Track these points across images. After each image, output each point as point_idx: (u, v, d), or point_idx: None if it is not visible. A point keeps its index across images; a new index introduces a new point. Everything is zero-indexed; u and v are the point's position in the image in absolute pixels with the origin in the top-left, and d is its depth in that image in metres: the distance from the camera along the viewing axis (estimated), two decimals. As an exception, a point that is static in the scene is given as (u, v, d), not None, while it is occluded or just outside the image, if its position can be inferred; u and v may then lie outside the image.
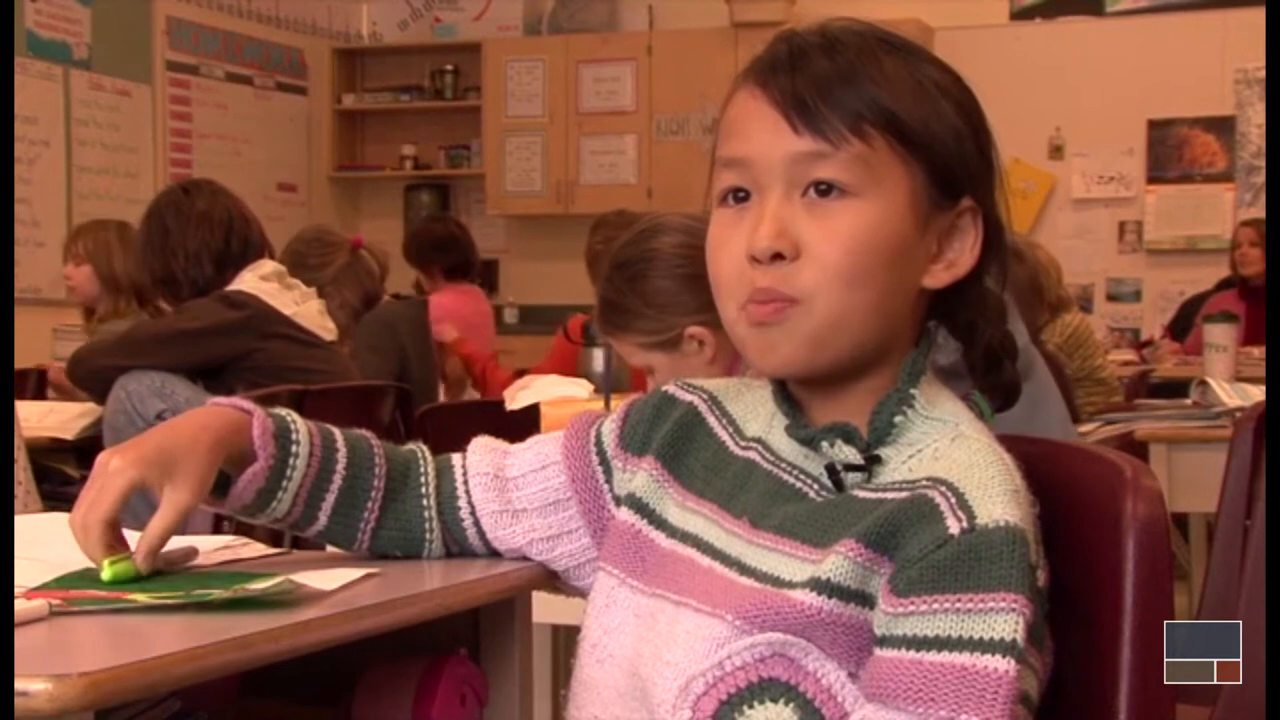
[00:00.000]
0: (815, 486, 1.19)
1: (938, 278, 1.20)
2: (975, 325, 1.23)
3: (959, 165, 1.19)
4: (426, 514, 1.33)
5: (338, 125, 9.14)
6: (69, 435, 3.43)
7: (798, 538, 1.15)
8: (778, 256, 1.15)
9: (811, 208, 1.16)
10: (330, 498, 1.29)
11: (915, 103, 1.17)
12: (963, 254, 1.20)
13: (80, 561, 1.19)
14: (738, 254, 1.18)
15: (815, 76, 1.16)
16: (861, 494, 1.15)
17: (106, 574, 1.16)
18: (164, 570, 1.22)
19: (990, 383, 1.24)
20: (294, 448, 1.27)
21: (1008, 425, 1.23)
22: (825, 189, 1.16)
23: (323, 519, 1.30)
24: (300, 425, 1.29)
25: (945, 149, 1.18)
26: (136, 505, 1.22)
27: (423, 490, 1.33)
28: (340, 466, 1.30)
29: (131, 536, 1.21)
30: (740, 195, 1.19)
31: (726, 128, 1.21)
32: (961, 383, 1.24)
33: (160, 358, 3.26)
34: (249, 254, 3.43)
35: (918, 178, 1.17)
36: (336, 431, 1.32)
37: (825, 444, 1.18)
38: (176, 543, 1.25)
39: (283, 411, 1.29)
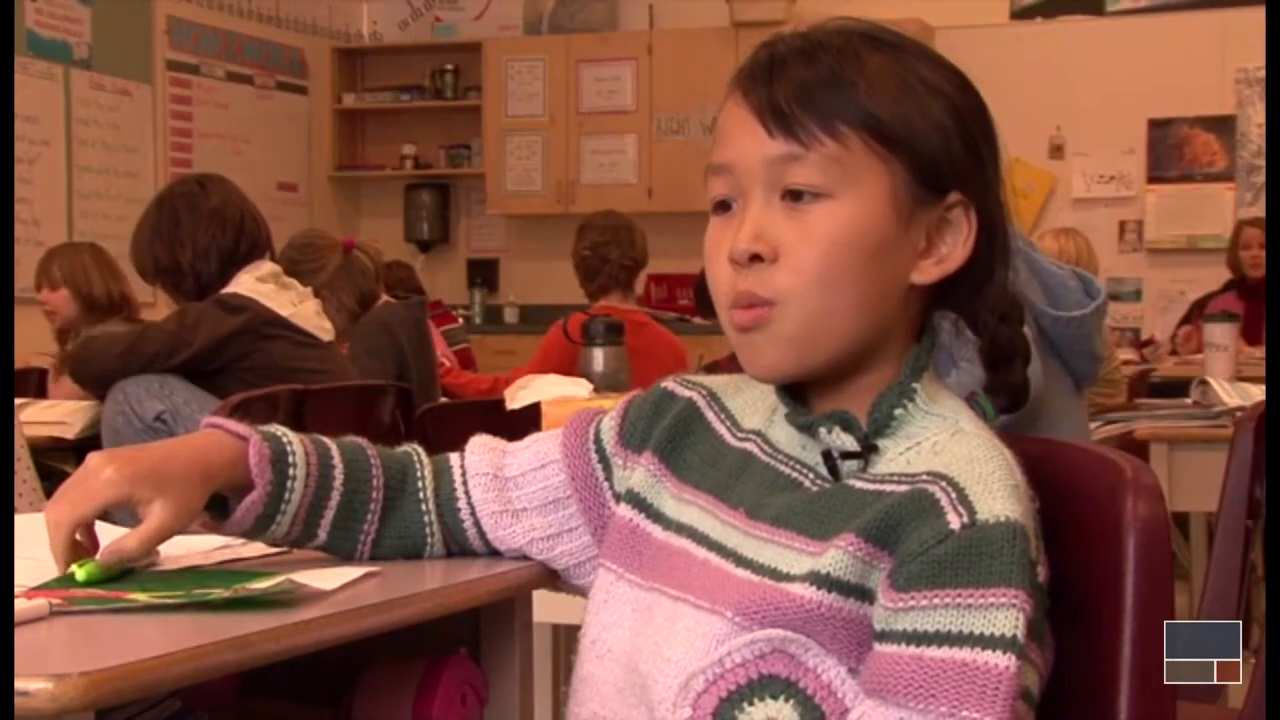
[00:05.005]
0: (811, 476, 1.19)
1: (927, 273, 1.20)
2: (978, 318, 1.23)
3: (943, 160, 1.18)
4: (426, 519, 1.33)
5: (338, 125, 9.14)
6: (69, 435, 3.43)
7: (794, 528, 1.15)
8: (756, 259, 1.16)
9: (789, 211, 1.17)
10: (329, 515, 1.29)
11: (896, 100, 1.17)
12: (955, 249, 1.20)
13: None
14: (725, 259, 1.19)
15: (793, 84, 1.17)
16: (858, 485, 1.16)
17: (81, 575, 1.16)
18: (136, 569, 1.22)
19: (997, 382, 1.24)
20: (291, 471, 1.27)
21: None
22: (801, 191, 1.17)
23: (322, 535, 1.30)
24: (297, 447, 1.28)
25: (927, 145, 1.18)
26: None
27: (420, 495, 1.33)
28: (338, 484, 1.29)
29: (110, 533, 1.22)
30: (726, 205, 1.21)
31: (715, 135, 1.23)
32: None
33: (168, 365, 3.27)
34: (254, 255, 3.44)
35: (898, 174, 1.17)
36: (333, 446, 1.32)
37: (824, 430, 1.18)
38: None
39: (279, 432, 1.28)
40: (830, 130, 1.16)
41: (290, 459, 1.27)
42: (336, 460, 1.30)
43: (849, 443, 1.17)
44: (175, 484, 1.20)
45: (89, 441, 3.33)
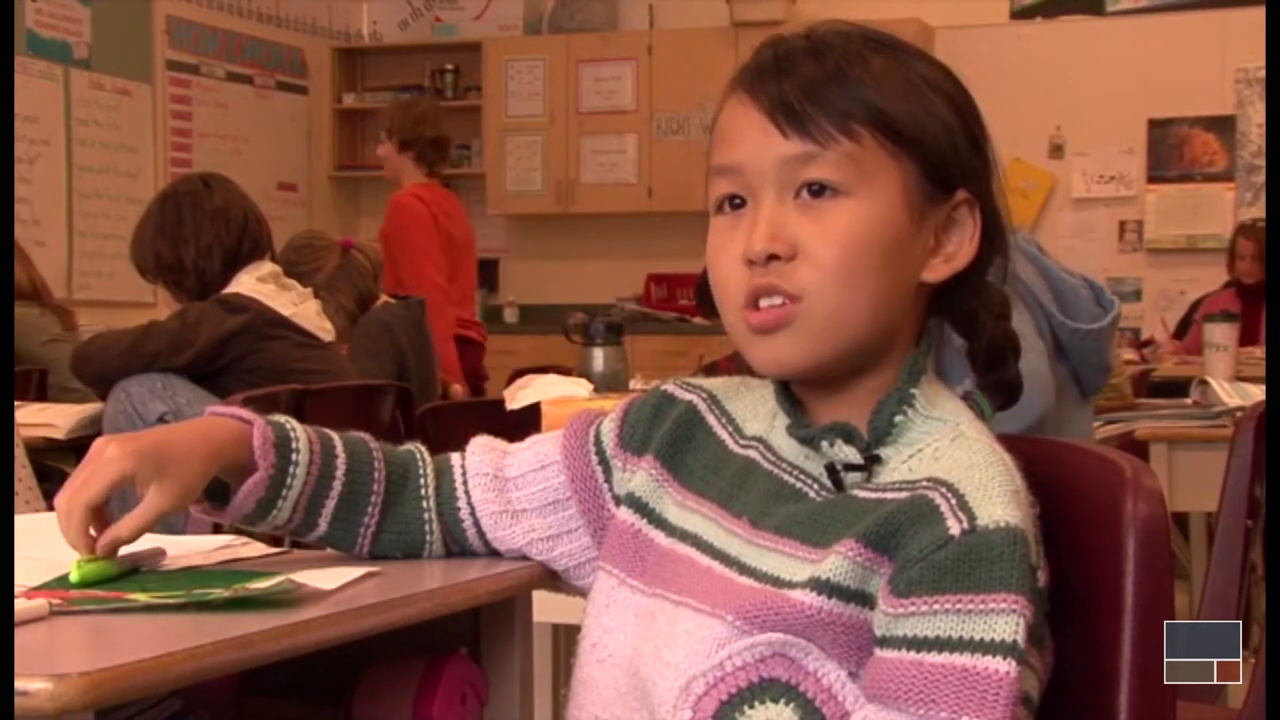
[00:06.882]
0: (815, 486, 1.19)
1: (937, 271, 1.20)
2: (977, 317, 1.23)
3: (951, 158, 1.19)
4: (426, 516, 1.33)
5: (338, 124, 9.14)
6: (60, 435, 3.41)
7: (797, 537, 1.15)
8: (773, 258, 1.16)
9: (805, 209, 1.17)
10: (330, 504, 1.29)
11: (903, 99, 1.18)
12: (962, 246, 1.20)
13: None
14: (735, 258, 1.18)
15: (802, 80, 1.17)
16: (861, 494, 1.15)
17: (75, 575, 1.16)
18: (141, 569, 1.22)
19: (992, 380, 1.24)
20: (294, 456, 1.27)
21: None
22: (818, 189, 1.16)
23: (323, 525, 1.30)
24: (300, 433, 1.28)
25: (936, 142, 1.18)
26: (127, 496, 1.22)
27: (422, 493, 1.33)
28: (340, 473, 1.30)
29: None
30: (736, 202, 1.20)
31: (718, 135, 1.22)
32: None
33: (170, 364, 3.28)
34: (255, 254, 3.44)
35: (909, 172, 1.17)
36: (336, 437, 1.32)
37: (825, 443, 1.18)
38: (157, 542, 1.26)
39: (282, 419, 1.29)
40: (844, 129, 1.16)
41: (294, 444, 1.27)
42: (339, 450, 1.31)
43: (851, 455, 1.17)
44: (177, 461, 1.20)
45: (87, 441, 3.32)
